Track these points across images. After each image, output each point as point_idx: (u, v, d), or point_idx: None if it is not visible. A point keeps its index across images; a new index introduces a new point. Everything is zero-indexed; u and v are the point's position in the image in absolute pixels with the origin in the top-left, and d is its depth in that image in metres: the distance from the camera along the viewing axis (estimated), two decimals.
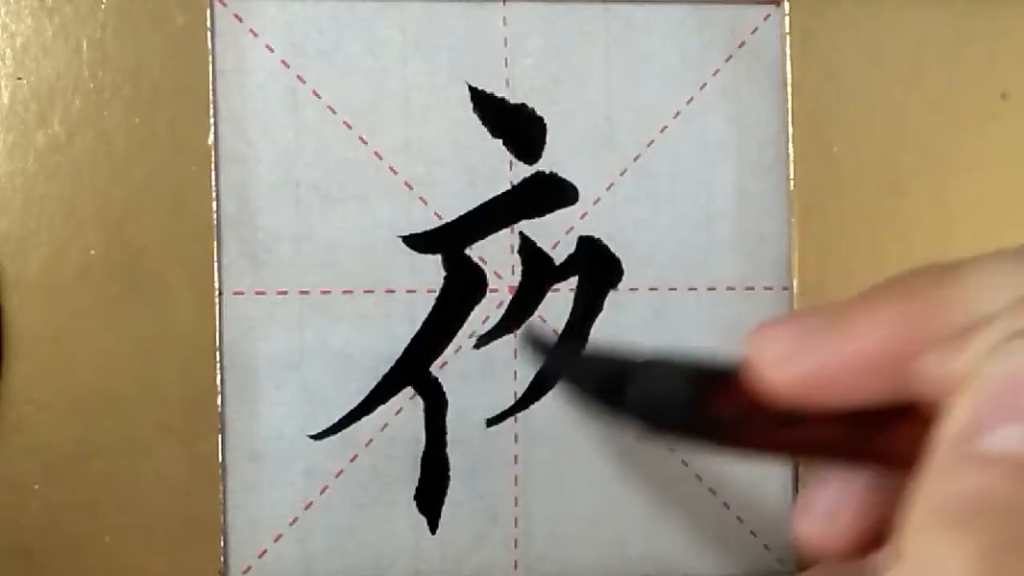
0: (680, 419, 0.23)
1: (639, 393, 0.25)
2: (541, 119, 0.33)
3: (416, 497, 0.33)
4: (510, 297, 0.33)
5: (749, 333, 0.21)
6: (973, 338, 0.17)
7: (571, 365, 0.32)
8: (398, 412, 0.33)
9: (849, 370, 0.19)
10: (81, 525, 0.31)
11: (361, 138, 0.33)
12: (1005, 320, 0.17)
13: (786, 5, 0.34)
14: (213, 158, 0.32)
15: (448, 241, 0.33)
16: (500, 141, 0.33)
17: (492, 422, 0.33)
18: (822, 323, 0.20)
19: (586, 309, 0.34)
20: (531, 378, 0.33)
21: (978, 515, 0.16)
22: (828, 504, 0.21)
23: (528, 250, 0.33)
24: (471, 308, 0.33)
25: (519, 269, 0.33)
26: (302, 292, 0.32)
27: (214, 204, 0.32)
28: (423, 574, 0.33)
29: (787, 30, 0.34)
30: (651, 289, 0.34)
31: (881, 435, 0.19)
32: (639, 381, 0.25)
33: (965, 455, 0.16)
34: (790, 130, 0.34)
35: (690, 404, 0.22)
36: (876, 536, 0.21)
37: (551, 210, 0.34)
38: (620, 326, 0.34)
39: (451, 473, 0.33)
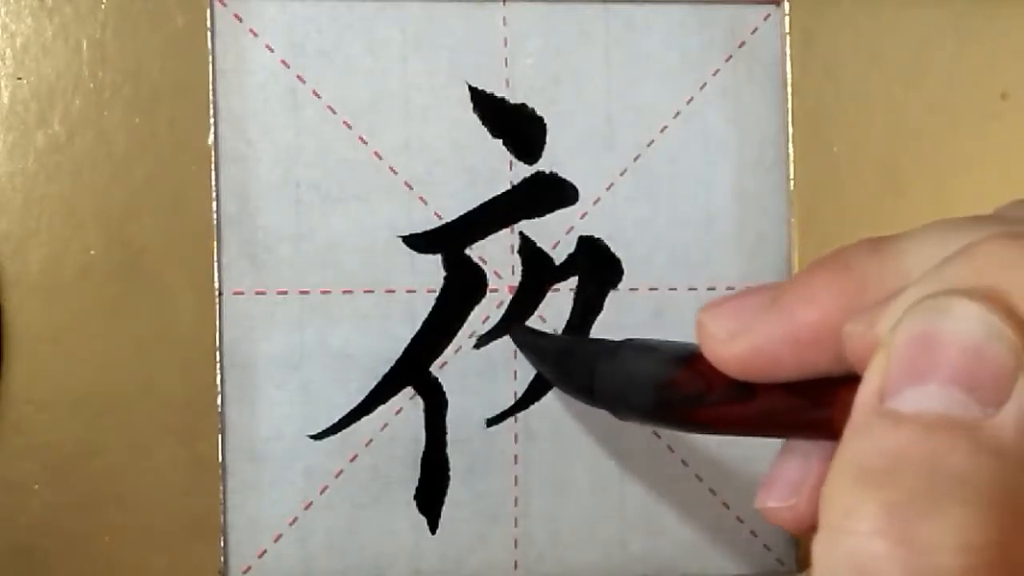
0: (644, 398, 0.23)
1: (609, 375, 0.25)
2: (541, 119, 0.33)
3: (416, 497, 0.33)
4: (510, 297, 0.33)
5: (704, 306, 0.22)
6: (892, 303, 0.17)
7: (544, 349, 0.32)
8: (398, 412, 0.33)
9: (788, 344, 0.20)
10: (81, 525, 0.31)
11: (361, 138, 0.33)
12: (920, 284, 0.17)
13: (786, 5, 0.34)
14: (213, 158, 0.32)
15: (448, 241, 0.33)
16: (500, 141, 0.33)
17: (492, 422, 0.33)
18: (762, 300, 0.20)
19: (586, 309, 0.34)
20: (531, 378, 0.33)
21: (886, 472, 0.16)
22: (790, 478, 0.22)
23: (528, 250, 0.33)
24: (471, 308, 0.33)
25: (519, 269, 0.33)
26: (302, 292, 0.32)
27: (214, 204, 0.32)
28: (423, 574, 0.33)
29: (787, 30, 0.34)
30: (651, 289, 0.34)
31: (830, 406, 0.20)
32: (610, 364, 0.25)
33: (877, 415, 0.17)
34: (790, 130, 0.34)
35: (655, 384, 0.23)
36: None
37: (551, 210, 0.34)
38: (620, 326, 0.34)
39: (451, 473, 0.33)
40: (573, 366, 0.29)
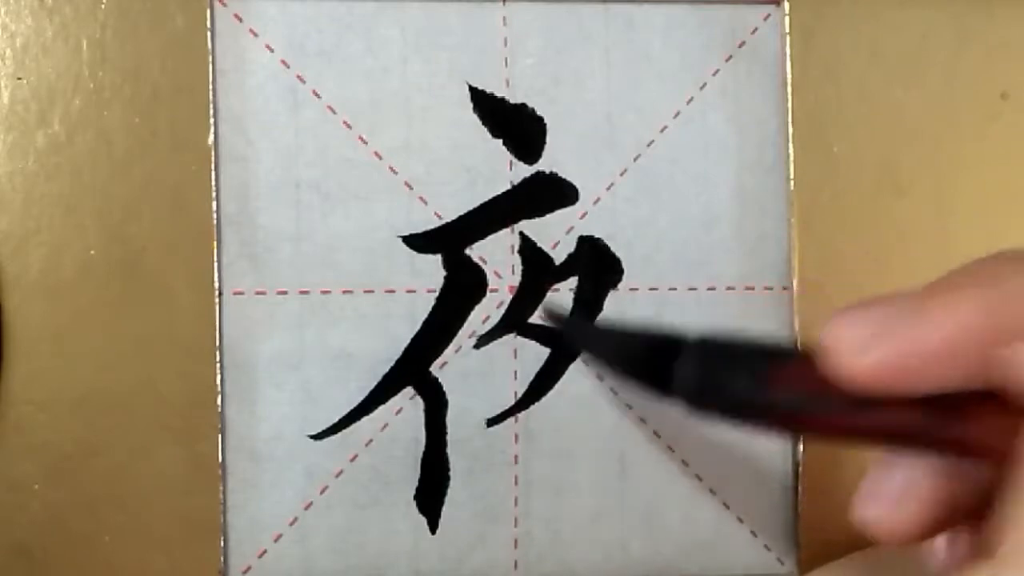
0: (741, 399, 0.23)
1: (693, 371, 0.25)
2: (541, 119, 0.33)
3: (416, 497, 0.33)
4: (510, 297, 0.33)
5: (828, 320, 0.21)
6: None
7: (603, 341, 0.31)
8: (398, 412, 0.33)
9: (929, 358, 0.19)
10: (81, 525, 0.31)
11: (361, 138, 0.33)
12: None
13: (786, 5, 0.34)
14: (213, 158, 0.32)
15: (448, 241, 0.33)
16: (500, 141, 0.33)
17: (492, 422, 0.33)
18: (901, 310, 0.20)
19: (586, 309, 0.34)
20: (531, 378, 0.33)
21: None
22: (895, 490, 0.21)
23: (528, 250, 0.33)
24: (471, 308, 0.33)
25: (519, 269, 0.33)
26: (302, 292, 0.32)
27: (214, 204, 0.32)
28: (423, 574, 0.33)
29: (787, 30, 0.34)
30: (651, 289, 0.34)
31: (956, 422, 0.19)
32: (692, 359, 0.25)
33: None
34: (790, 130, 0.34)
35: (753, 384, 0.22)
36: (939, 522, 0.21)
37: (551, 210, 0.34)
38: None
39: (451, 473, 0.33)
40: (643, 359, 0.28)
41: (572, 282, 0.34)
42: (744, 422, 0.24)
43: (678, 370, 0.26)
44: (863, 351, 0.20)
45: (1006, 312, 0.19)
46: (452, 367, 0.33)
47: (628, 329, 0.31)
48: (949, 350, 0.19)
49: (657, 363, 0.26)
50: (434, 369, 0.33)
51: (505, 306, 0.33)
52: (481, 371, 0.33)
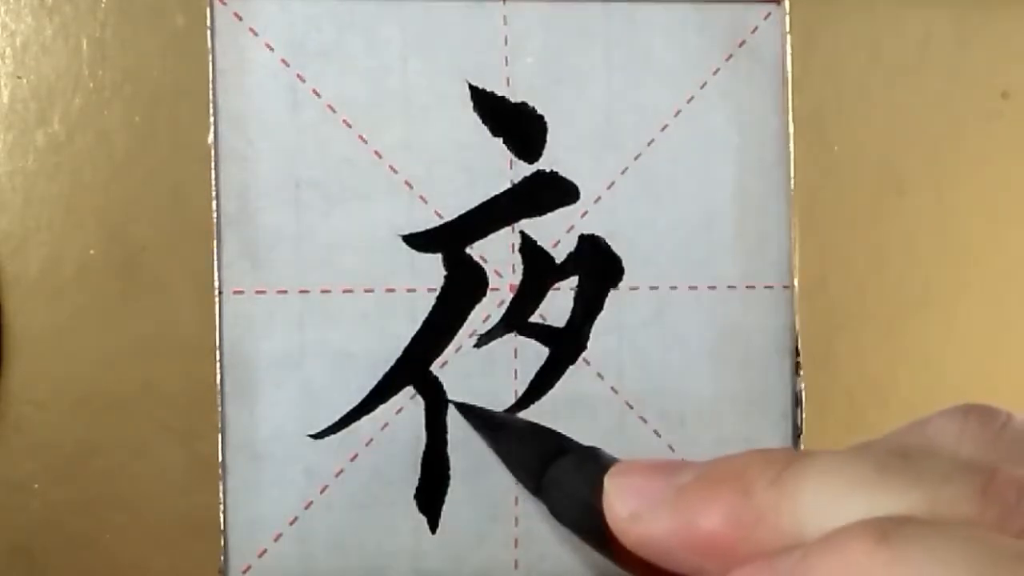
0: (581, 519, 0.23)
1: (554, 482, 0.26)
2: (541, 118, 0.33)
3: (416, 496, 0.33)
4: (511, 296, 0.33)
5: (612, 470, 0.22)
6: (791, 564, 0.17)
7: (504, 433, 0.32)
8: (399, 411, 0.33)
9: (681, 546, 0.20)
10: (81, 525, 0.31)
11: (361, 137, 0.33)
12: (821, 557, 0.17)
13: (787, 4, 0.34)
14: (213, 158, 0.32)
15: (448, 240, 0.33)
16: (500, 140, 0.33)
17: None
18: (665, 491, 0.21)
19: (587, 308, 0.34)
20: (532, 378, 0.33)
21: None
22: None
23: (529, 249, 0.33)
24: (472, 307, 0.33)
25: (520, 268, 0.33)
26: (302, 292, 0.32)
27: (214, 204, 0.32)
28: (423, 574, 0.33)
29: (788, 29, 0.34)
30: (652, 288, 0.34)
31: None
32: (557, 470, 0.26)
33: None
34: (791, 129, 0.34)
35: (590, 506, 0.23)
36: None
37: (552, 209, 0.34)
38: (621, 325, 0.34)
39: (451, 473, 0.33)
40: (522, 457, 0.29)
41: (573, 281, 0.34)
42: (588, 544, 0.24)
43: (543, 483, 0.26)
44: (630, 521, 0.21)
45: (751, 524, 0.19)
46: (453, 366, 0.33)
47: (521, 422, 0.32)
48: (701, 546, 0.20)
49: (538, 472, 0.27)
50: (434, 368, 0.33)
51: (506, 305, 0.33)
52: (481, 370, 0.33)
